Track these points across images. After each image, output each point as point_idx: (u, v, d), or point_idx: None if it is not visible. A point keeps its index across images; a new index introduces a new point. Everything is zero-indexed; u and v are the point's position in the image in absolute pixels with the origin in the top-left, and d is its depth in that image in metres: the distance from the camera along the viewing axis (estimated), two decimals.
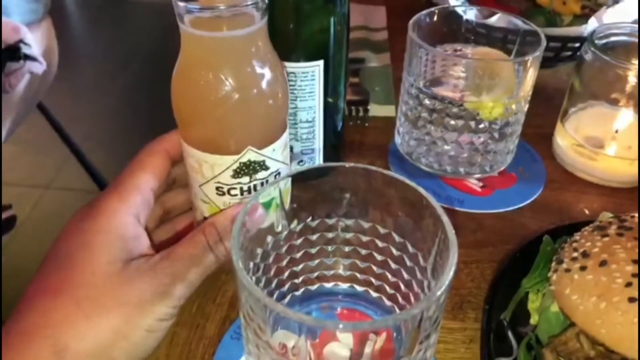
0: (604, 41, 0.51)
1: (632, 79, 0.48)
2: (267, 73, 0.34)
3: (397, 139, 0.53)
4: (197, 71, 0.33)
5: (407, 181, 0.31)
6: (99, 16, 2.65)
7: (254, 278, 0.32)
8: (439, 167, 0.50)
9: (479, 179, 0.51)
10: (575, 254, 0.33)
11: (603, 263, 0.31)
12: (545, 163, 0.54)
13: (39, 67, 1.00)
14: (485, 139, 0.48)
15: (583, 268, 0.31)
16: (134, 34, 2.45)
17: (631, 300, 0.28)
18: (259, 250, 0.32)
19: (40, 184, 1.75)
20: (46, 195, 1.73)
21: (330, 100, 0.46)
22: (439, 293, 0.26)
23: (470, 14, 0.62)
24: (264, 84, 0.34)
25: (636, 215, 0.34)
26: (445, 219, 0.29)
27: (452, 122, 0.47)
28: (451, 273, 0.27)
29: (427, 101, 0.48)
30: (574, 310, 0.31)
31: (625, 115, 0.51)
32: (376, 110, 0.60)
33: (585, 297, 0.30)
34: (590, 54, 0.49)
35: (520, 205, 0.49)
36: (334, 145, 0.50)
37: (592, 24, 0.58)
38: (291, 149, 0.47)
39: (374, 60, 0.67)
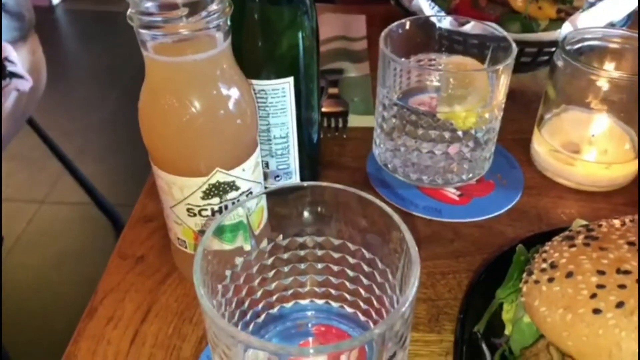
0: (576, 46, 0.51)
1: (604, 84, 0.48)
2: (233, 94, 0.35)
3: (375, 150, 0.53)
4: (162, 96, 0.33)
5: (373, 199, 0.32)
6: (89, 30, 2.65)
7: (223, 300, 0.32)
8: (416, 177, 0.50)
9: (456, 188, 0.51)
10: (544, 265, 0.33)
11: (569, 274, 0.31)
12: (523, 169, 0.54)
13: (25, 84, 1.00)
14: (460, 149, 0.48)
15: (551, 280, 0.31)
16: (125, 46, 2.46)
17: (595, 311, 0.28)
18: (228, 272, 0.33)
19: (36, 199, 1.76)
20: (41, 209, 1.73)
21: (304, 113, 0.46)
22: (402, 310, 0.26)
23: (445, 22, 0.62)
24: (230, 105, 0.34)
25: (603, 223, 0.34)
26: (408, 236, 0.29)
27: (427, 132, 0.47)
28: (413, 290, 0.27)
29: (400, 113, 0.48)
30: (542, 322, 0.31)
31: (600, 120, 0.51)
32: (355, 120, 0.61)
33: (552, 309, 0.30)
34: (562, 60, 0.49)
35: (498, 213, 0.49)
36: (311, 157, 0.50)
37: (566, 28, 0.59)
38: (267, 165, 0.47)
39: (352, 70, 0.68)
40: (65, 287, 1.39)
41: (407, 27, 0.52)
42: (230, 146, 0.35)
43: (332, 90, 0.64)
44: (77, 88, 2.28)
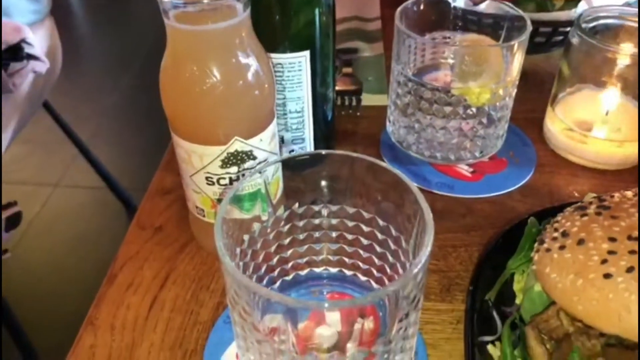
0: (591, 24, 0.51)
1: (620, 62, 0.48)
2: (251, 64, 0.35)
3: (389, 127, 0.54)
4: (183, 64, 0.34)
5: (387, 166, 0.32)
6: (103, 14, 2.67)
7: (241, 263, 0.33)
8: (429, 154, 0.51)
9: (469, 165, 0.52)
10: (555, 234, 0.33)
11: (581, 242, 0.31)
12: (536, 147, 0.54)
13: (42, 66, 1.01)
14: (473, 125, 0.48)
15: (562, 247, 0.32)
16: (138, 31, 2.47)
17: (606, 276, 0.29)
18: (246, 237, 0.33)
19: (49, 182, 1.78)
20: (55, 193, 1.75)
21: (319, 90, 0.47)
22: (415, 271, 0.27)
23: (460, 1, 0.62)
24: (249, 75, 0.35)
25: (616, 194, 0.34)
26: (423, 202, 0.30)
27: (440, 108, 0.48)
28: (427, 252, 0.27)
29: (415, 89, 0.48)
30: (553, 289, 0.32)
31: (614, 98, 0.51)
32: (369, 99, 0.61)
33: (563, 275, 0.31)
34: (577, 37, 0.49)
35: (510, 189, 0.49)
36: (325, 134, 0.51)
37: (581, 7, 0.58)
38: (282, 139, 0.47)
39: (366, 50, 0.68)
40: (79, 270, 1.42)
41: (422, 5, 0.52)
42: (249, 115, 0.36)
43: (346, 70, 0.65)
44: (91, 72, 2.30)
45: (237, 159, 0.37)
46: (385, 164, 0.33)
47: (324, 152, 0.34)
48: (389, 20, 0.74)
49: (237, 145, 0.36)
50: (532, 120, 0.57)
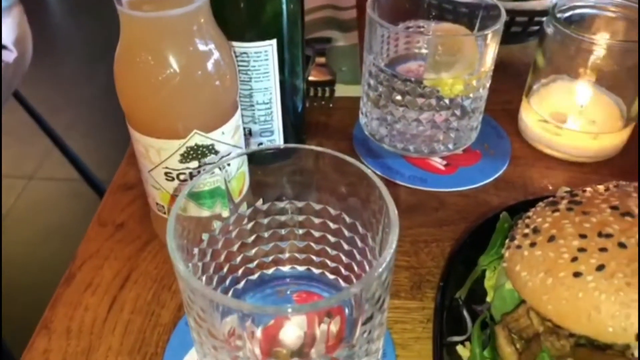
0: (567, 14, 0.50)
1: (595, 52, 0.48)
2: (211, 53, 0.33)
3: (362, 119, 0.53)
4: (137, 53, 0.32)
5: (352, 161, 0.31)
6: (78, 2, 2.60)
7: (200, 264, 0.32)
8: (402, 147, 0.50)
9: (442, 158, 0.50)
10: (526, 230, 0.32)
11: (551, 238, 0.30)
12: (511, 139, 0.53)
13: (9, 55, 0.98)
14: (447, 117, 0.47)
15: (533, 244, 0.31)
16: (114, 19, 2.41)
17: (576, 275, 0.28)
18: (205, 236, 0.32)
19: (24, 174, 1.74)
20: (30, 185, 1.72)
21: (288, 80, 0.45)
22: (378, 271, 0.25)
23: None
24: (208, 65, 0.33)
25: (588, 189, 0.34)
26: (387, 197, 0.28)
27: (413, 100, 0.46)
28: (392, 251, 0.26)
29: (387, 80, 0.47)
30: (523, 287, 0.31)
31: (589, 90, 0.50)
32: (343, 90, 0.60)
33: (533, 273, 0.30)
34: (552, 27, 0.48)
35: (484, 182, 0.48)
36: (295, 126, 0.49)
37: None
38: (249, 131, 0.46)
39: (341, 40, 0.66)
40: (54, 262, 1.38)
41: None
42: (209, 108, 0.35)
43: (320, 60, 0.63)
44: (66, 62, 2.24)
45: (197, 153, 0.35)
46: (350, 159, 0.31)
47: (287, 146, 0.32)
48: (365, 10, 0.73)
49: (197, 139, 0.34)
50: (508, 112, 0.56)
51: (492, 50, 0.46)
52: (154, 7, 0.31)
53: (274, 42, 0.41)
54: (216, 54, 0.34)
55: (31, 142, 1.78)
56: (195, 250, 0.31)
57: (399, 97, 0.47)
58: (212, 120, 0.35)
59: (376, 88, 0.48)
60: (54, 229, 1.51)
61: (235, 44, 0.41)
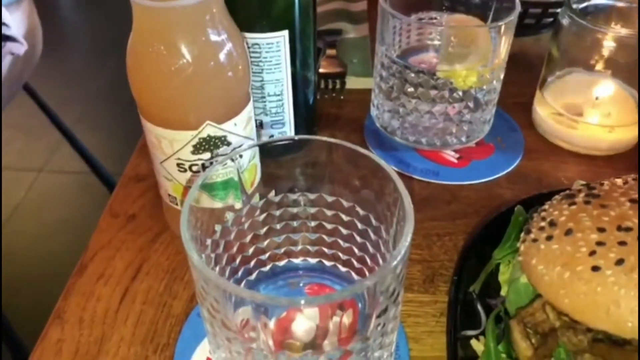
0: (582, 5, 0.50)
1: (611, 44, 0.47)
2: (224, 43, 0.33)
3: (373, 112, 0.52)
4: (150, 44, 0.32)
5: (367, 153, 0.30)
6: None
7: (212, 255, 0.31)
8: (414, 140, 0.49)
9: (455, 151, 0.50)
10: (542, 224, 0.32)
11: (568, 232, 0.30)
12: (524, 133, 0.53)
13: (19, 48, 0.98)
14: (459, 109, 0.47)
15: (549, 238, 0.31)
16: (125, 12, 2.41)
17: (594, 269, 0.28)
18: (218, 227, 0.32)
19: (34, 167, 1.75)
20: (40, 178, 1.73)
21: (299, 72, 0.45)
22: (394, 264, 0.25)
23: None
24: (221, 55, 0.33)
25: (605, 182, 0.33)
26: (402, 189, 0.28)
27: (425, 92, 0.46)
28: (407, 244, 0.26)
29: (399, 71, 0.46)
30: (539, 281, 0.30)
31: (604, 82, 0.50)
32: (353, 82, 0.59)
33: (550, 267, 0.29)
34: (568, 18, 0.47)
35: (497, 175, 0.48)
36: (306, 119, 0.49)
37: None
38: (260, 123, 0.46)
39: (351, 32, 0.66)
40: (64, 255, 1.39)
41: None
42: (221, 98, 0.34)
43: (330, 52, 0.63)
44: (75, 55, 2.25)
45: (209, 144, 0.35)
46: (364, 150, 0.31)
47: (300, 137, 0.32)
48: (375, 1, 0.72)
49: (209, 130, 0.34)
50: (521, 105, 0.55)
51: (506, 42, 0.45)
52: None
53: (285, 33, 0.41)
54: (229, 45, 0.33)
55: (41, 134, 1.79)
56: (208, 242, 0.31)
57: (411, 89, 0.46)
58: (225, 111, 0.35)
59: (388, 80, 0.48)
60: (64, 221, 1.52)
61: (247, 34, 0.40)
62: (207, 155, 0.35)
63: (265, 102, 0.44)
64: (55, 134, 1.51)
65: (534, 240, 0.32)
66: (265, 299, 0.25)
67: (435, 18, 0.52)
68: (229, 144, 0.36)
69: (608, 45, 0.47)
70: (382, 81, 0.49)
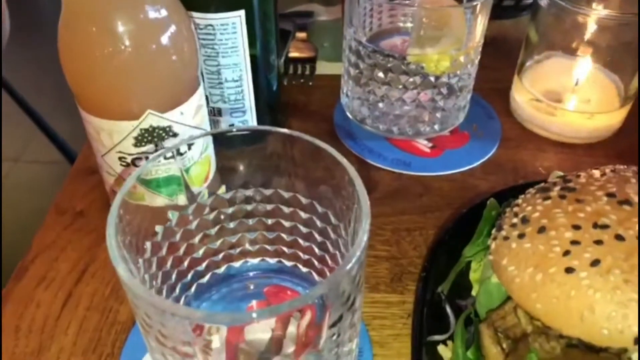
0: None
1: (591, 26, 0.44)
2: (166, 22, 0.30)
3: (343, 99, 0.49)
4: (81, 24, 0.29)
5: (324, 146, 0.28)
6: None
7: (154, 258, 0.29)
8: (385, 128, 0.46)
9: (428, 139, 0.47)
10: (515, 220, 0.30)
11: (542, 230, 0.27)
12: (501, 120, 0.50)
13: None
14: (432, 96, 0.44)
15: (521, 236, 0.28)
16: None
17: (568, 270, 0.25)
18: (159, 229, 0.29)
19: (9, 157, 1.70)
20: (15, 168, 1.68)
21: (260, 55, 0.41)
22: (347, 268, 0.22)
23: None
24: (162, 37, 0.30)
25: (582, 174, 0.31)
26: (358, 182, 0.25)
27: (396, 78, 0.43)
28: (362, 244, 0.23)
29: (368, 56, 0.43)
30: (510, 283, 0.28)
31: (584, 67, 0.47)
32: (324, 67, 0.56)
33: (521, 268, 0.27)
34: (546, 0, 0.45)
35: (472, 165, 0.45)
36: (270, 106, 0.46)
37: None
38: (219, 111, 0.42)
39: (323, 14, 0.62)
40: None
41: None
42: (164, 85, 0.31)
43: (301, 35, 0.59)
44: (50, 40, 2.18)
45: (152, 136, 0.32)
46: (321, 143, 0.28)
47: (251, 128, 0.29)
48: None
49: (152, 119, 0.31)
50: (498, 91, 0.53)
51: (481, 24, 0.43)
52: None
53: (242, 12, 0.38)
54: (171, 25, 0.30)
55: (16, 123, 1.74)
56: (147, 245, 0.28)
57: (381, 75, 0.44)
58: (169, 99, 0.32)
59: (357, 65, 0.45)
60: (40, 211, 1.48)
61: (198, 14, 0.37)
62: (150, 147, 0.32)
63: (222, 88, 0.41)
64: (31, 123, 1.47)
65: (505, 238, 0.29)
66: (204, 316, 0.22)
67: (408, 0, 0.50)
68: (175, 134, 0.33)
69: (588, 27, 0.44)
70: (350, 66, 0.46)
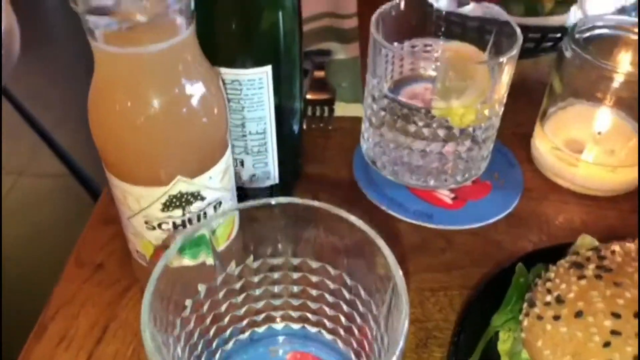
0: (586, 35, 0.46)
1: (616, 79, 0.44)
2: (197, 91, 0.30)
3: (363, 145, 0.49)
4: (113, 94, 0.28)
5: (356, 220, 0.27)
6: None
7: (183, 333, 0.28)
8: (407, 178, 0.46)
9: (450, 190, 0.47)
10: (548, 298, 0.29)
11: (579, 314, 0.27)
12: (522, 167, 0.50)
13: None
14: (455, 148, 0.44)
15: (556, 317, 0.28)
16: None
17: None
18: (189, 302, 0.28)
19: (13, 170, 1.70)
20: (20, 181, 1.68)
21: (284, 105, 0.41)
22: None
23: (443, 2, 0.57)
24: (194, 105, 0.30)
25: (616, 249, 0.30)
26: (398, 276, 0.25)
27: (419, 130, 0.43)
28: (400, 345, 0.23)
29: (391, 108, 0.43)
30: None
31: (608, 116, 0.47)
32: (343, 109, 0.56)
33: (558, 353, 0.26)
34: (571, 51, 0.44)
35: (495, 219, 0.45)
36: (292, 152, 0.45)
37: (574, 13, 0.54)
38: (242, 163, 0.42)
39: (341, 52, 0.62)
40: (44, 259, 1.36)
41: (402, 8, 0.46)
42: (194, 151, 0.31)
43: (318, 74, 0.59)
44: (57, 53, 2.18)
45: (181, 201, 0.31)
46: (353, 218, 0.28)
47: (281, 201, 0.29)
48: (367, 18, 0.68)
49: (181, 186, 0.31)
50: (519, 136, 0.52)
51: (507, 76, 0.42)
52: (131, 40, 0.27)
53: (268, 68, 0.37)
54: (203, 91, 0.30)
55: (21, 136, 1.74)
56: (178, 321, 0.27)
57: (404, 126, 0.43)
58: (199, 164, 0.31)
59: (379, 114, 0.45)
60: (44, 225, 1.48)
61: (224, 70, 0.37)
62: (178, 212, 0.32)
63: (246, 140, 0.41)
64: (35, 137, 1.47)
65: (539, 318, 0.29)
66: None
67: (430, 45, 0.49)
68: (203, 198, 0.32)
69: (613, 79, 0.44)
70: (372, 114, 0.46)
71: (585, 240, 0.36)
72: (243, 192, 0.42)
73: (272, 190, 0.44)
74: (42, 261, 1.36)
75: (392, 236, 0.43)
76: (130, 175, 0.30)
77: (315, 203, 0.28)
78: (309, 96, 0.56)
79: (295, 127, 0.45)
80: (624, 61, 0.46)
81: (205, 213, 0.33)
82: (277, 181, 0.44)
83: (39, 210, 1.55)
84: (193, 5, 0.28)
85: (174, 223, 0.32)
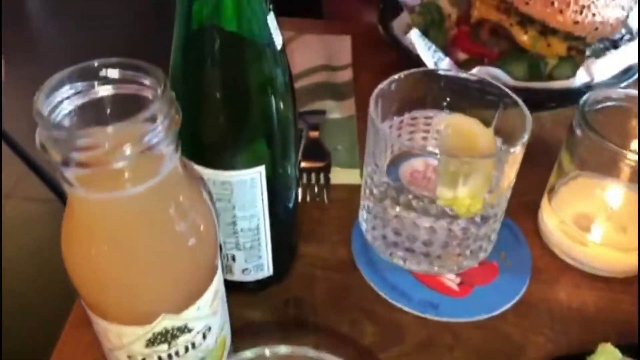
0: (598, 106, 0.44)
1: (629, 159, 0.41)
2: (188, 228, 0.27)
3: (362, 225, 0.46)
4: (89, 240, 0.25)
5: None
6: (62, 6, 2.48)
7: None
8: (409, 263, 0.43)
9: (455, 274, 0.44)
10: None
11: None
12: (529, 243, 0.47)
13: None
14: (461, 236, 0.41)
15: None
16: (101, 20, 2.29)
17: None
18: None
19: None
20: (7, 204, 1.65)
21: (279, 195, 0.38)
22: None
23: (444, 63, 0.55)
24: (177, 236, 0.27)
25: None
26: None
27: (423, 219, 0.40)
28: None
29: (392, 196, 0.40)
30: None
31: (621, 191, 0.45)
32: (339, 176, 0.53)
33: None
34: (581, 130, 0.42)
35: (504, 308, 0.42)
36: (287, 232, 0.43)
37: (580, 76, 0.52)
38: (233, 258, 0.39)
39: (335, 111, 0.59)
40: (30, 283, 1.34)
41: (401, 82, 0.44)
42: (180, 286, 0.28)
43: (313, 134, 0.56)
44: (46, 71, 2.14)
45: (166, 337, 0.28)
46: None
47: (277, 350, 0.26)
48: (361, 69, 0.66)
49: (166, 322, 0.28)
50: (526, 206, 0.49)
51: (516, 162, 0.40)
52: (108, 185, 0.24)
53: (261, 168, 0.35)
54: (192, 225, 0.27)
55: (7, 160, 1.71)
56: None
57: (406, 214, 0.40)
58: (185, 297, 0.28)
59: (379, 199, 0.42)
60: (33, 248, 1.46)
61: (213, 172, 0.34)
62: (163, 347, 0.29)
63: (237, 237, 0.38)
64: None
65: None
66: None
67: (431, 117, 0.47)
68: (190, 330, 0.29)
69: (626, 160, 0.42)
70: (371, 196, 0.43)
71: (606, 349, 0.33)
72: (233, 285, 0.39)
73: (265, 283, 0.41)
74: (28, 285, 1.33)
75: (397, 331, 0.40)
76: (110, 315, 0.27)
77: (310, 352, 0.25)
78: (303, 164, 0.53)
79: (290, 208, 0.42)
80: (635, 134, 0.44)
81: (193, 343, 0.30)
82: (271, 273, 0.41)
83: (28, 233, 1.52)
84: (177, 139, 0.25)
85: (159, 357, 0.29)
